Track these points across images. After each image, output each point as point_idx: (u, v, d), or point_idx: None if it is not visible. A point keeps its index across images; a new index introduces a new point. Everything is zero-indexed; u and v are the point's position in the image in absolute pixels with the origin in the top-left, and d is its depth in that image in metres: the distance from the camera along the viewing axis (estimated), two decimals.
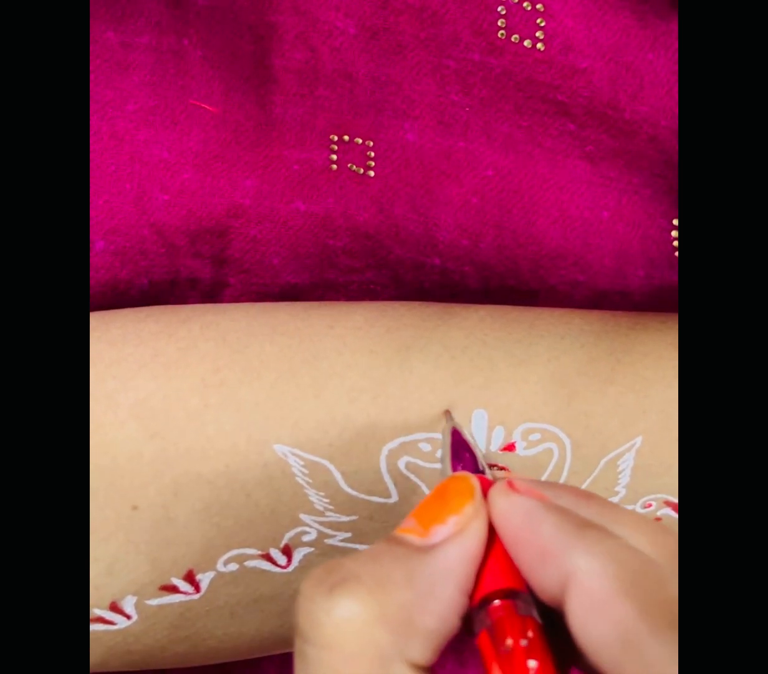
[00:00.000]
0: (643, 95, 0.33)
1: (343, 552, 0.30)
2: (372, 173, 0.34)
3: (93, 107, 0.32)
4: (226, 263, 0.33)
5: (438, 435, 0.29)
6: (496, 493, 0.24)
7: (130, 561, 0.29)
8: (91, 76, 0.32)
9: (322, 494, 0.29)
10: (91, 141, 0.32)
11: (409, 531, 0.24)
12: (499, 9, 0.32)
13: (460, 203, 0.34)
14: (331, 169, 0.34)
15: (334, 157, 0.34)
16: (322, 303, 0.32)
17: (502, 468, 0.30)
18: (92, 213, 0.32)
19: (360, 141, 0.34)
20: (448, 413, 0.29)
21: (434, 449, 0.29)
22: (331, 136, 0.33)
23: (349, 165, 0.34)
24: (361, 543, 0.30)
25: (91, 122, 0.32)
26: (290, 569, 0.30)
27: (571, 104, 0.33)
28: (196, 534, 0.29)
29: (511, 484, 0.24)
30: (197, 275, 0.33)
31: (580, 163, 0.35)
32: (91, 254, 0.32)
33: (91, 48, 0.32)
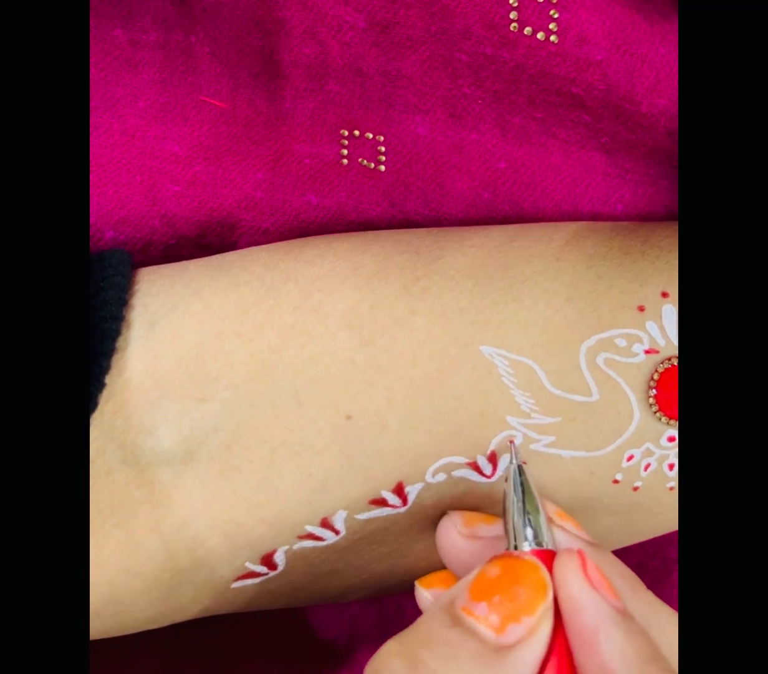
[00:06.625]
0: (660, 88, 0.32)
1: (547, 458, 0.31)
2: (383, 168, 0.34)
3: (103, 105, 0.32)
4: None
5: (632, 330, 0.31)
6: (569, 578, 0.26)
7: (344, 475, 0.30)
8: (101, 74, 0.32)
9: (527, 394, 0.30)
10: (101, 138, 0.33)
11: (480, 620, 0.26)
12: (511, 1, 0.31)
13: (471, 198, 0.34)
14: (341, 163, 0.33)
15: (345, 152, 0.33)
16: (497, 225, 0.34)
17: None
18: (102, 203, 0.33)
19: (370, 136, 0.33)
20: (512, 442, 0.30)
21: (630, 344, 0.30)
22: (341, 131, 0.33)
23: (359, 160, 0.33)
24: (564, 448, 0.30)
25: (101, 119, 0.33)
26: (494, 479, 0.31)
27: (586, 97, 0.33)
28: (408, 443, 0.30)
29: (582, 559, 0.27)
30: None
31: (596, 155, 0.34)
32: (101, 245, 0.33)
33: (100, 46, 0.32)
